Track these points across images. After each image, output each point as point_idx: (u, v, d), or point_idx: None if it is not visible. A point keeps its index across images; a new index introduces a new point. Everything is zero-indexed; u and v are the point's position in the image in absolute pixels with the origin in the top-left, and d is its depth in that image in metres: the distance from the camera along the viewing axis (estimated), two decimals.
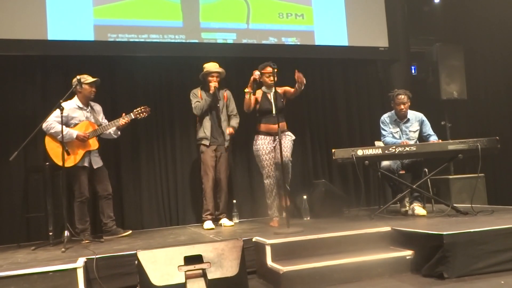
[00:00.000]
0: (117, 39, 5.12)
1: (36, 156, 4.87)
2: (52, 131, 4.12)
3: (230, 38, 5.54)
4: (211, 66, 4.65)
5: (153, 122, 5.31)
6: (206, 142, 4.62)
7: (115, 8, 5.16)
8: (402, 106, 4.57)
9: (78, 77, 4.17)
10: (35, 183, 4.73)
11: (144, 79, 5.40)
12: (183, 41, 5.35)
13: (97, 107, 4.49)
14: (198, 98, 4.66)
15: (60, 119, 3.94)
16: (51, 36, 4.88)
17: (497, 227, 3.06)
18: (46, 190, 4.35)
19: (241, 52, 5.57)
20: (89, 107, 4.39)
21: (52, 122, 4.11)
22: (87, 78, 4.27)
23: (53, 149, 4.15)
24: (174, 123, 5.43)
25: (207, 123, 4.65)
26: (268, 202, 4.48)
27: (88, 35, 5.03)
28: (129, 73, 5.32)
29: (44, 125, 4.10)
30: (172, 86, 5.43)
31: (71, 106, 4.25)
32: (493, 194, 5.90)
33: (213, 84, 4.57)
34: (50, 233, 4.17)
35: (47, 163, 4.33)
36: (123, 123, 4.27)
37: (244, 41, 5.58)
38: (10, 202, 4.79)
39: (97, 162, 4.35)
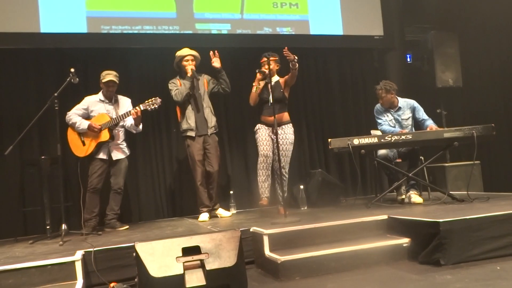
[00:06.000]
0: (111, 31, 5.09)
1: (31, 150, 4.86)
2: (70, 122, 4.31)
3: (224, 28, 5.50)
4: (183, 51, 4.55)
5: (148, 115, 5.28)
6: (192, 134, 4.50)
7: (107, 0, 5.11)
8: (380, 101, 4.60)
9: (71, 70, 4.10)
10: (31, 177, 4.72)
11: (138, 71, 5.37)
12: (177, 32, 5.31)
13: (124, 101, 4.52)
14: (177, 86, 4.55)
15: (80, 112, 4.30)
16: (43, 29, 4.84)
17: (493, 214, 3.07)
18: (42, 183, 4.35)
19: (236, 43, 5.55)
20: (113, 101, 4.43)
21: (71, 114, 4.30)
22: (105, 76, 4.32)
23: (72, 140, 4.32)
24: (170, 115, 5.40)
25: (190, 113, 4.53)
26: (259, 181, 4.43)
27: (81, 27, 4.99)
28: (123, 65, 5.28)
29: (66, 117, 4.30)
30: (166, 78, 5.37)
31: (93, 100, 4.40)
32: (488, 181, 5.93)
33: (190, 67, 4.47)
34: (48, 227, 4.17)
35: (43, 157, 4.34)
36: (133, 113, 4.21)
37: (239, 31, 5.55)
38: (7, 196, 4.78)
39: (117, 155, 4.39)
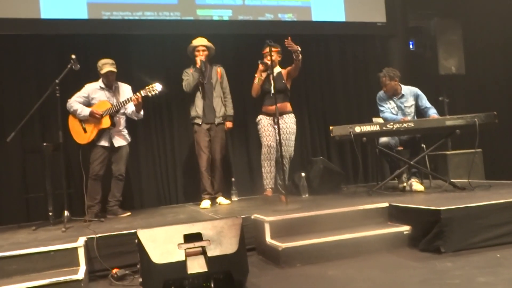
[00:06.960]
0: (111, 17, 5.06)
1: (33, 137, 4.87)
2: (71, 110, 4.30)
3: (226, 14, 5.46)
4: (197, 41, 4.60)
5: (150, 101, 5.28)
6: (199, 121, 4.58)
7: None
8: (384, 88, 4.58)
9: (73, 56, 4.07)
10: (33, 164, 4.74)
11: (139, 57, 5.34)
12: (178, 18, 5.28)
13: (124, 87, 4.51)
14: (189, 75, 4.60)
15: (81, 99, 4.30)
16: (44, 15, 4.81)
17: (494, 202, 3.08)
18: (45, 170, 4.36)
19: (237, 29, 5.51)
20: (114, 88, 4.42)
21: (72, 101, 4.30)
22: (102, 67, 4.30)
23: (74, 128, 4.33)
24: (171, 102, 5.40)
25: (198, 101, 4.60)
26: (264, 171, 4.46)
27: (81, 13, 4.96)
28: (124, 51, 5.26)
29: (67, 104, 4.27)
30: (168, 64, 5.38)
31: (94, 87, 4.39)
32: (490, 169, 5.92)
33: (199, 57, 4.51)
34: (50, 213, 4.19)
35: (45, 143, 4.35)
36: (134, 99, 4.20)
37: (240, 17, 5.51)
38: (9, 183, 4.80)
39: (118, 141, 4.40)
